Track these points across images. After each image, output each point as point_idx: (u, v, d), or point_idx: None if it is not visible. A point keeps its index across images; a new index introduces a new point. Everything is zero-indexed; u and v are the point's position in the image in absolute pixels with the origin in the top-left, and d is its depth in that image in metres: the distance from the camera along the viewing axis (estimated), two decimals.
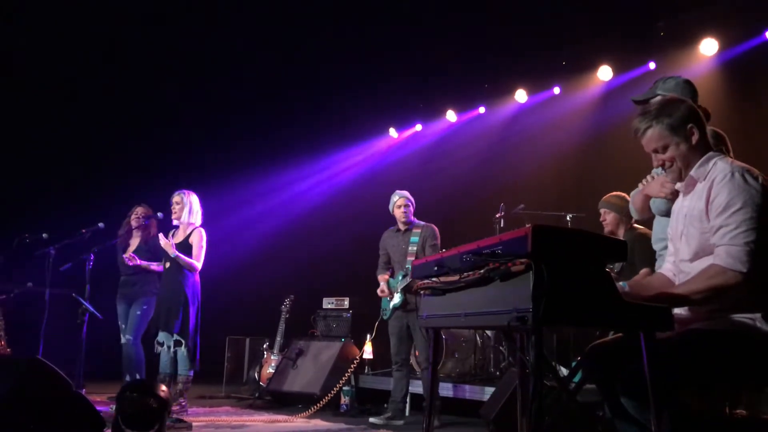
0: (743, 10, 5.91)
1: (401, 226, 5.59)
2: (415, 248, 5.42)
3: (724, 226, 2.23)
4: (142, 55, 8.31)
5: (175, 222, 5.73)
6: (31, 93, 8.33)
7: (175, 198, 5.71)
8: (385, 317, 5.61)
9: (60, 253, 5.92)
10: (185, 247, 5.58)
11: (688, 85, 3.00)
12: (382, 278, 5.60)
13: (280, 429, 5.11)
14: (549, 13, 6.74)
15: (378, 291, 5.59)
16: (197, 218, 5.73)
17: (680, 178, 2.45)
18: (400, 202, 5.55)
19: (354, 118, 8.79)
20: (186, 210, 5.66)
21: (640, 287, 2.46)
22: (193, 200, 5.74)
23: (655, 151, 2.43)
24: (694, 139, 2.39)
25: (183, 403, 5.46)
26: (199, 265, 5.56)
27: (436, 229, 5.57)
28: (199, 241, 5.60)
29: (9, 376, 3.44)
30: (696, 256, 2.35)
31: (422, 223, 5.59)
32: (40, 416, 3.31)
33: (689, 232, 2.38)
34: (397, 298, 5.41)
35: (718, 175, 2.31)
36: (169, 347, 5.47)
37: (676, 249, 2.49)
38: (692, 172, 2.40)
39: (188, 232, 5.66)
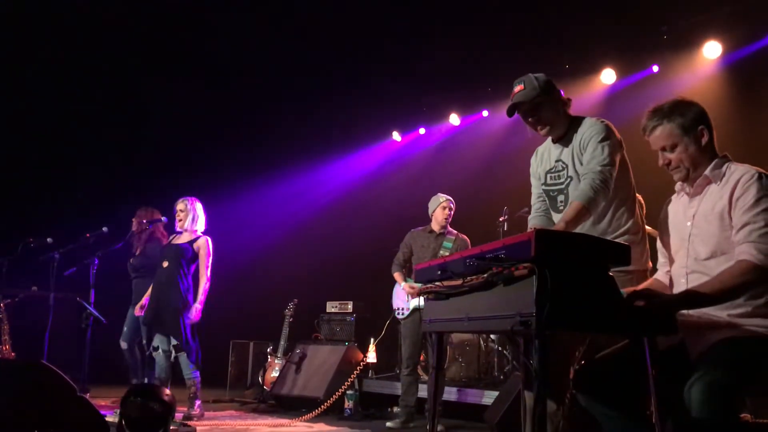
0: (747, 14, 5.90)
1: (437, 229, 5.50)
2: (447, 254, 5.35)
3: (751, 223, 2.24)
4: (146, 58, 8.34)
5: (178, 228, 5.76)
6: (34, 96, 8.36)
7: (179, 205, 5.73)
8: (400, 316, 5.51)
9: (64, 258, 5.94)
10: (188, 250, 5.61)
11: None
12: (400, 276, 5.52)
13: None
14: (552, 16, 6.74)
15: (407, 289, 5.37)
16: (201, 225, 5.76)
17: (686, 178, 2.45)
18: (446, 203, 5.47)
19: (357, 121, 8.79)
20: (190, 217, 5.70)
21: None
22: (197, 207, 5.77)
23: (663, 149, 2.43)
24: (704, 140, 2.40)
25: (197, 405, 5.46)
26: (207, 276, 5.59)
27: (468, 240, 5.51)
28: (206, 251, 5.63)
29: (13, 380, 3.44)
30: (713, 255, 2.34)
31: (454, 231, 5.53)
32: (45, 420, 3.32)
33: (706, 231, 2.37)
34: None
35: (743, 175, 2.32)
36: (164, 351, 5.46)
37: (686, 250, 2.45)
38: (707, 173, 2.40)
39: (192, 237, 5.69)
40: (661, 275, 2.63)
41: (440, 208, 5.47)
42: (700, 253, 2.38)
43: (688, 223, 2.44)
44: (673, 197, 2.62)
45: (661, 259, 2.63)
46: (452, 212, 5.50)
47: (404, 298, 5.50)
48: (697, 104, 2.46)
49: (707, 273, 2.33)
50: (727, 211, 2.31)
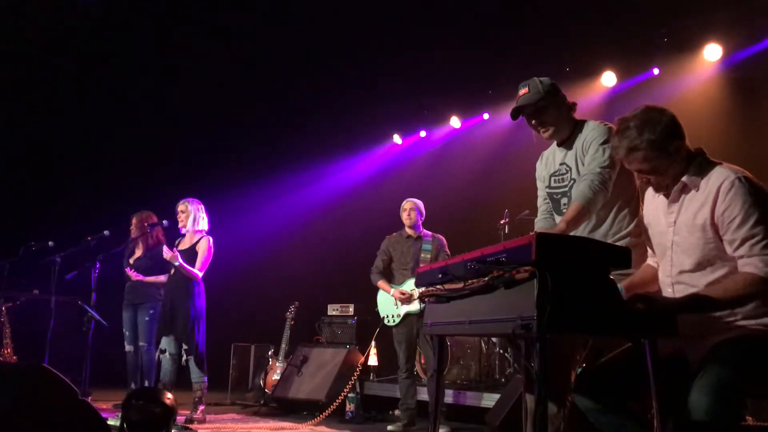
0: (747, 16, 5.90)
1: (411, 233, 5.57)
2: (429, 256, 5.40)
3: (750, 237, 2.21)
4: (147, 60, 8.36)
5: (182, 230, 5.76)
6: (35, 99, 8.37)
7: (180, 207, 5.75)
8: (391, 323, 5.52)
9: (66, 261, 5.94)
10: (192, 254, 5.60)
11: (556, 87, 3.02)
12: (385, 284, 5.54)
13: None
14: (552, 19, 6.74)
15: (397, 295, 5.38)
16: (203, 225, 5.77)
17: (667, 191, 2.42)
18: (406, 205, 5.57)
19: (358, 124, 8.80)
20: (191, 218, 5.70)
21: (638, 286, 2.51)
22: (198, 208, 5.77)
23: (640, 170, 2.38)
24: (680, 155, 2.34)
25: (200, 410, 5.45)
26: (200, 273, 5.57)
27: (444, 240, 5.59)
28: (205, 248, 5.62)
29: (15, 383, 3.45)
30: (699, 267, 2.33)
31: (429, 233, 5.59)
32: (46, 423, 3.32)
33: (689, 242, 2.34)
34: (416, 305, 5.31)
35: (723, 182, 2.25)
36: (171, 354, 5.46)
37: (669, 258, 2.43)
38: (685, 179, 2.35)
39: (195, 239, 5.68)
40: (652, 262, 2.63)
41: (402, 211, 5.60)
42: (684, 264, 2.37)
43: (670, 229, 2.41)
44: (648, 194, 2.56)
45: (649, 251, 2.63)
46: (414, 212, 5.54)
47: (392, 305, 5.50)
48: (665, 111, 2.35)
49: (694, 285, 2.32)
50: (709, 222, 2.28)
